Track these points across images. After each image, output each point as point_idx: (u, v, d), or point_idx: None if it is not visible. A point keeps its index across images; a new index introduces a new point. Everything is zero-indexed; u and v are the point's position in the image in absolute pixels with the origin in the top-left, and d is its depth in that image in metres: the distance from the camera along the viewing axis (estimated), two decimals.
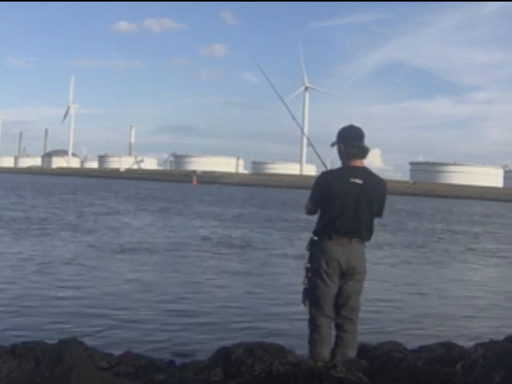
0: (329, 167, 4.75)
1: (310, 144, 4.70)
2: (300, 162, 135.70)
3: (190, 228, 19.29)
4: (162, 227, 18.97)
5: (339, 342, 4.50)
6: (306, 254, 4.59)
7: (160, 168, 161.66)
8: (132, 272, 10.09)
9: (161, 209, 28.49)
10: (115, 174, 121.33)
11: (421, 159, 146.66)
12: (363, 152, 4.50)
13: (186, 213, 26.46)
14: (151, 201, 35.67)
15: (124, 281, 9.23)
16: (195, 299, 8.08)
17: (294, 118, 5.58)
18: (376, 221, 4.55)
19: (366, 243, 4.56)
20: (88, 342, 4.84)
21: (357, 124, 4.57)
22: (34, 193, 38.63)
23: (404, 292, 9.63)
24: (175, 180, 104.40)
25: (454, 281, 11.60)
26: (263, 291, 8.94)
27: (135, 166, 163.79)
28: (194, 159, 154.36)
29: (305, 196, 4.82)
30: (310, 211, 4.65)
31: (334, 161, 4.70)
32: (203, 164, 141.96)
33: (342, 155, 4.54)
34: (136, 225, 19.14)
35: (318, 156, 5.09)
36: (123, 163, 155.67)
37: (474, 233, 24.02)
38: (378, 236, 16.65)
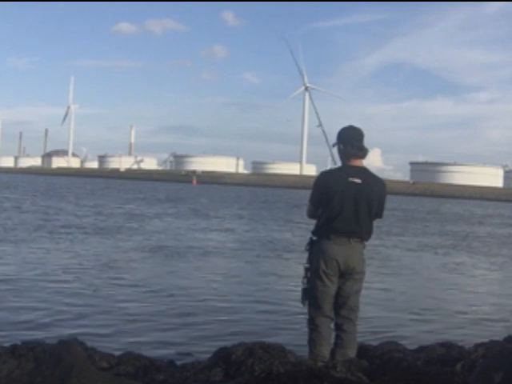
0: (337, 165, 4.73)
1: (334, 144, 4.69)
2: (300, 162, 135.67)
3: (240, 231, 19.18)
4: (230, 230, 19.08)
5: (339, 341, 4.51)
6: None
7: (160, 168, 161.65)
8: (139, 273, 10.09)
9: (203, 211, 28.24)
10: (115, 174, 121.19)
11: (421, 159, 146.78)
12: (362, 152, 4.51)
13: (224, 215, 26.12)
14: (184, 203, 35.16)
15: (133, 281, 9.23)
16: (196, 299, 8.08)
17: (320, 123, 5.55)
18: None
19: (366, 243, 4.57)
20: (88, 342, 4.84)
21: (357, 124, 4.60)
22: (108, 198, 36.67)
23: None
24: (175, 180, 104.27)
25: None
26: (268, 294, 8.88)
27: (135, 166, 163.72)
28: (194, 159, 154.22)
29: (306, 196, 4.81)
30: (311, 214, 4.64)
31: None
32: (203, 164, 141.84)
33: (342, 155, 4.55)
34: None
35: (332, 157, 5.07)
36: (123, 163, 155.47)
37: None
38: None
